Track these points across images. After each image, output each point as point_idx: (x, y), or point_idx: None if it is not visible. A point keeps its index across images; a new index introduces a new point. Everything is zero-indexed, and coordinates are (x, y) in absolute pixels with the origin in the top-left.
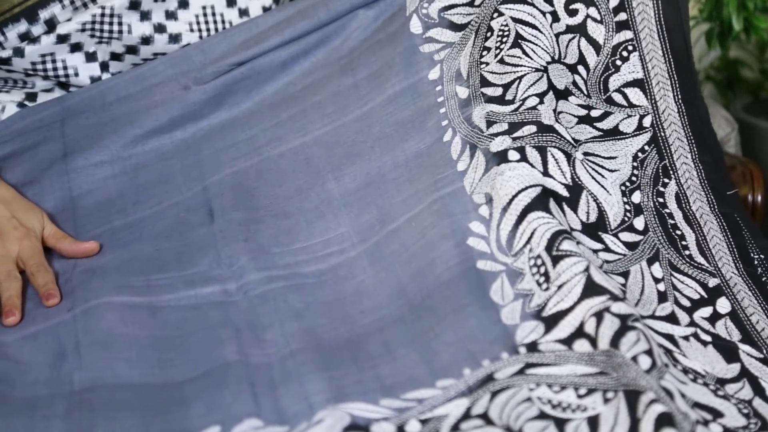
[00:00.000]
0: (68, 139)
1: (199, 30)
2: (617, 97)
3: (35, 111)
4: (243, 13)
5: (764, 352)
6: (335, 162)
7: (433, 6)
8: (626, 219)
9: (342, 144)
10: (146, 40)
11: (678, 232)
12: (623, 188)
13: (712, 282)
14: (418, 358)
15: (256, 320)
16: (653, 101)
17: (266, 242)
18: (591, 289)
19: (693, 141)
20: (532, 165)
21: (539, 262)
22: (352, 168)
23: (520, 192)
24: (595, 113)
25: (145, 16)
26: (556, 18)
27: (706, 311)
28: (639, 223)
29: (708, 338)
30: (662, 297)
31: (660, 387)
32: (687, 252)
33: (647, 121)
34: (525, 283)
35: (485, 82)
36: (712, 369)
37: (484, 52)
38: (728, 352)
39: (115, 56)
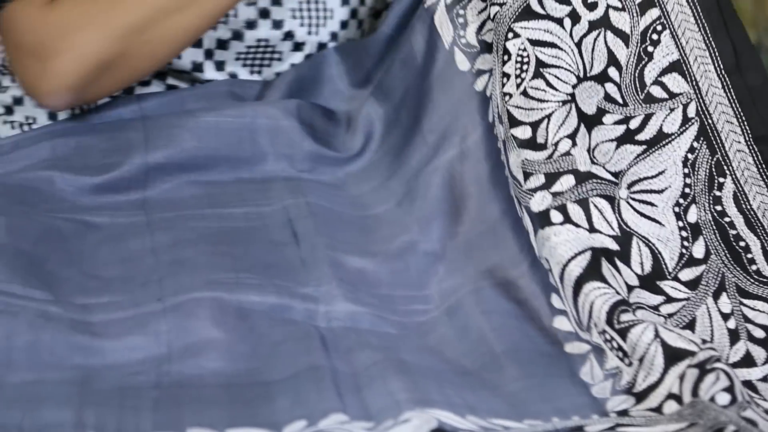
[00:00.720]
0: (149, 134)
1: (301, 18)
2: (656, 91)
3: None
4: (344, 2)
5: None
6: (422, 218)
7: (468, 30)
8: (684, 252)
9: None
10: (251, 24)
11: (741, 244)
12: (677, 210)
13: None
14: (502, 401)
15: (340, 344)
16: (694, 83)
17: (351, 277)
18: (671, 355)
19: (743, 119)
20: (576, 224)
21: (608, 336)
22: (438, 228)
23: (569, 261)
24: (634, 123)
25: None
26: (575, 19)
27: None
28: (699, 249)
29: None
30: (734, 336)
31: (740, 418)
32: (754, 267)
33: (692, 110)
34: (610, 361)
35: (514, 121)
36: None
37: (505, 80)
38: None
39: (221, 43)
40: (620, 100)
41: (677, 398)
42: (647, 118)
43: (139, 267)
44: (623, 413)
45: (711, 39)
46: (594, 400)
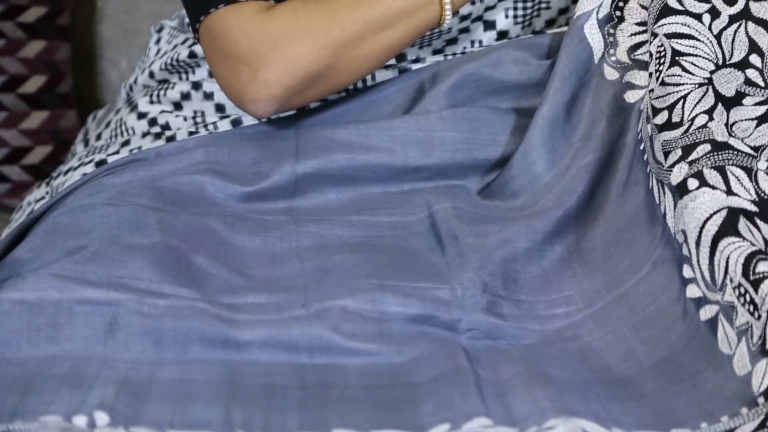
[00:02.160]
0: (300, 143)
1: (515, 16)
2: None
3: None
4: None
5: None
6: (560, 223)
7: (619, 50)
8: None
9: (567, 193)
10: (464, 29)
11: None
12: None
13: None
14: (649, 411)
15: (482, 357)
16: None
17: (495, 282)
18: None
19: None
20: (713, 187)
21: (742, 290)
22: (577, 227)
23: (706, 221)
24: None
25: None
26: (715, 14)
27: None
28: None
29: None
30: None
31: None
32: None
33: None
34: (740, 317)
35: (655, 111)
36: None
37: (650, 79)
38: None
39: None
40: (762, 83)
41: None
42: None
43: (285, 271)
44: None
45: None
46: (738, 381)
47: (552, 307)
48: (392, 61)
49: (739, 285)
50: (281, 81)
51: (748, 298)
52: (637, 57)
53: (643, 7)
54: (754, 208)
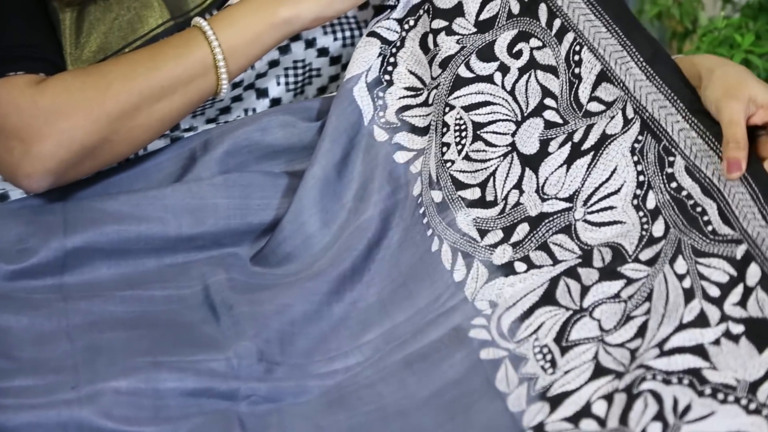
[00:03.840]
0: (69, 216)
1: (287, 83)
2: (593, 107)
3: None
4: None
5: None
6: (336, 283)
7: (388, 111)
8: (644, 234)
9: (341, 253)
10: (237, 97)
11: (698, 209)
12: (635, 202)
13: (740, 251)
14: None
15: (261, 423)
16: (622, 85)
17: (272, 348)
18: (598, 372)
19: (676, 99)
20: (539, 266)
21: (546, 350)
22: (353, 288)
23: (528, 293)
24: (577, 136)
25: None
26: (504, 70)
27: (737, 294)
28: (658, 228)
29: (740, 329)
30: (689, 295)
31: None
32: (710, 227)
33: (630, 111)
34: (529, 367)
35: (459, 184)
36: (744, 372)
37: (444, 149)
38: (760, 337)
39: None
40: (560, 121)
41: (600, 422)
42: (589, 128)
43: (54, 351)
44: (539, 428)
45: (626, 39)
46: (511, 416)
47: (332, 363)
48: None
49: (545, 346)
50: (55, 155)
51: (549, 358)
52: (405, 118)
53: (411, 72)
54: (577, 261)
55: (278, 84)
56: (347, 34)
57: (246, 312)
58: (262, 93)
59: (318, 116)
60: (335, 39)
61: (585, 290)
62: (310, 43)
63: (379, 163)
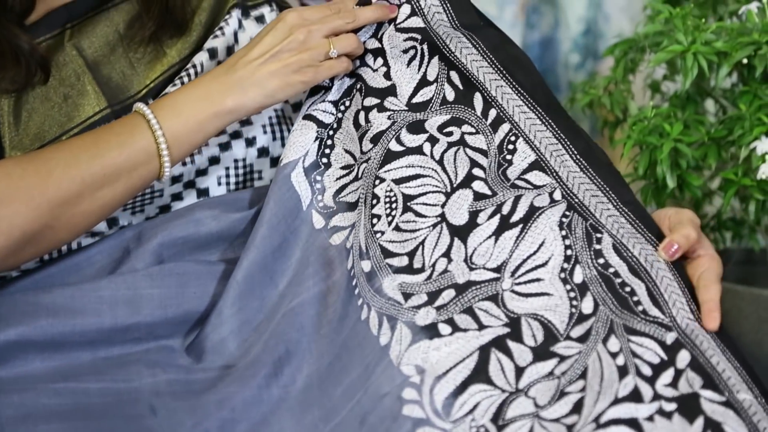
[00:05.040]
0: (2, 310)
1: (227, 183)
2: (521, 183)
3: None
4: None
5: (726, 394)
6: (273, 367)
7: (326, 195)
8: (573, 311)
9: (275, 338)
10: (177, 195)
11: (627, 289)
12: (562, 275)
13: (670, 338)
14: None
15: None
16: (555, 174)
17: None
18: None
19: (608, 190)
20: (465, 330)
21: (482, 431)
22: (290, 369)
23: (458, 363)
24: (506, 208)
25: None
26: (434, 141)
27: (668, 375)
28: (587, 304)
29: (672, 406)
30: (623, 371)
31: None
32: (640, 307)
33: (557, 195)
34: None
35: (387, 253)
36: None
37: (374, 220)
38: (691, 410)
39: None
40: (489, 192)
41: None
42: (517, 199)
43: None
44: None
45: (561, 134)
46: None
47: None
48: (103, 227)
49: (482, 426)
50: None
51: None
52: (342, 200)
53: (346, 151)
54: (505, 331)
55: (219, 184)
56: (286, 134)
57: (184, 405)
58: (202, 193)
59: (248, 206)
60: (274, 139)
61: (520, 371)
62: (250, 142)
63: (315, 249)
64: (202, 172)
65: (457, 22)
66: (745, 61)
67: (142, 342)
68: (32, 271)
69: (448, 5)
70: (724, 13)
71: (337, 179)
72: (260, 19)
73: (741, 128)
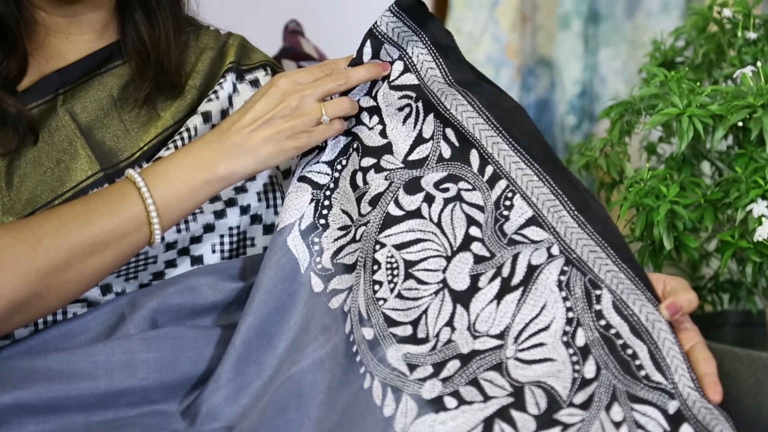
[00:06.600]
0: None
1: (222, 251)
2: (518, 238)
3: None
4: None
5: None
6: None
7: (324, 256)
8: (576, 376)
9: (273, 406)
10: (171, 262)
11: (629, 352)
12: (565, 339)
13: (672, 407)
14: None
15: None
16: (552, 230)
17: None
18: None
19: (606, 246)
20: (470, 402)
21: None
22: None
23: None
24: (505, 271)
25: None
26: (430, 199)
27: None
28: (590, 368)
29: None
30: None
31: None
32: (643, 372)
33: (555, 250)
34: None
35: (391, 322)
36: None
37: (376, 287)
38: None
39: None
40: (487, 254)
41: None
42: (515, 258)
43: None
44: None
45: (558, 189)
46: None
47: None
48: (97, 294)
49: None
50: None
51: None
52: (339, 261)
53: (344, 211)
54: (510, 400)
55: (213, 252)
56: (279, 201)
57: None
58: (196, 260)
59: (242, 274)
60: (268, 206)
61: None
62: (244, 210)
63: (315, 314)
64: (196, 240)
65: (451, 78)
66: (740, 124)
67: (136, 406)
68: (26, 338)
69: (441, 62)
70: (719, 76)
71: (335, 240)
72: (255, 83)
73: (737, 191)
